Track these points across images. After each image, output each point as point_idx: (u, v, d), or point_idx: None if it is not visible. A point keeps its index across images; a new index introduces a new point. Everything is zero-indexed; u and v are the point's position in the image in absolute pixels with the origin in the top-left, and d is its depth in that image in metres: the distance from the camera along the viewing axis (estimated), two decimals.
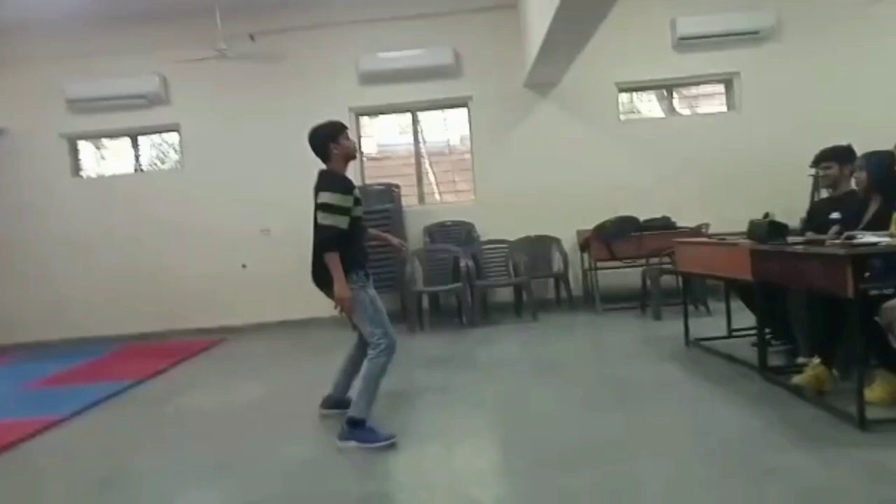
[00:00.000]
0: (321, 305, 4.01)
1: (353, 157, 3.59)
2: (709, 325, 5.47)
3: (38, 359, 6.91)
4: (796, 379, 3.50)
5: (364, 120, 8.22)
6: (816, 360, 3.49)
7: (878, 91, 7.42)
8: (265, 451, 3.41)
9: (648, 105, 8.39)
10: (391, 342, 3.45)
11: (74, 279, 7.87)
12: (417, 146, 8.20)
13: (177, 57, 7.58)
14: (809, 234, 4.12)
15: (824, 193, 4.61)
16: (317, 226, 3.42)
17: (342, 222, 3.35)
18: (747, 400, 3.53)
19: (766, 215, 4.03)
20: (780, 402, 3.43)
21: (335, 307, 3.43)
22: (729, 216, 6.94)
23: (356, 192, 3.47)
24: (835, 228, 4.02)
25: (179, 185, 7.91)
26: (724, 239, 4.34)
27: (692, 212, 7.20)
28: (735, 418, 3.29)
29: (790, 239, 3.74)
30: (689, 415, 3.50)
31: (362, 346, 3.68)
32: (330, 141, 3.50)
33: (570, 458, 2.94)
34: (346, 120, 7.89)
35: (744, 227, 6.05)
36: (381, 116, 8.29)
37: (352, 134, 7.76)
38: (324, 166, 3.56)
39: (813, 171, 7.01)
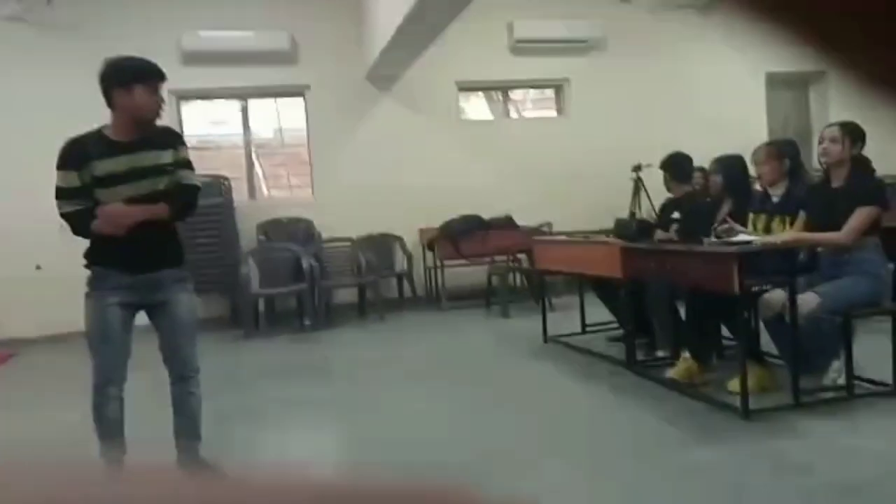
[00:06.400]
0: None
1: (144, 119, 2.54)
2: (558, 321, 5.57)
3: None
4: (670, 373, 3.64)
5: (186, 106, 7.41)
6: (686, 355, 3.66)
7: (686, 106, 8.15)
8: None
9: (477, 107, 8.47)
10: (96, 379, 2.57)
11: None
12: (247, 136, 7.58)
13: None
14: (659, 233, 4.34)
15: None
16: (184, 189, 2.65)
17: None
18: (628, 396, 3.59)
19: (633, 215, 4.19)
20: (659, 396, 3.53)
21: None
22: (563, 215, 7.27)
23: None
24: (674, 227, 4.31)
25: None
26: (587, 237, 4.43)
27: (530, 211, 7.37)
28: (625, 415, 3.33)
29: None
30: (577, 414, 3.49)
31: (175, 378, 2.72)
32: (116, 87, 2.49)
33: (475, 470, 2.75)
34: (167, 104, 7.05)
35: (579, 226, 6.41)
36: (207, 102, 7.53)
37: (171, 118, 7.10)
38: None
39: (634, 175, 7.74)
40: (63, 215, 2.56)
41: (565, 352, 4.71)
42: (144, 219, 2.53)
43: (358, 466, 2.93)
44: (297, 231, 7.12)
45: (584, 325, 5.12)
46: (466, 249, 6.82)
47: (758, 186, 3.85)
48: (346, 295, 7.17)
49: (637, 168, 7.63)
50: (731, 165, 3.98)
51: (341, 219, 7.25)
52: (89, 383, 2.61)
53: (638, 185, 7.72)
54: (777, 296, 3.24)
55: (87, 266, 2.63)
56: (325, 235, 7.21)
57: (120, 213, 2.52)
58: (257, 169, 7.80)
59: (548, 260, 4.94)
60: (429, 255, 7.36)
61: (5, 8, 5.91)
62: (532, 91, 8.57)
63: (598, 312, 4.97)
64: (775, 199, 3.63)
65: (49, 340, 6.45)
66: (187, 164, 2.69)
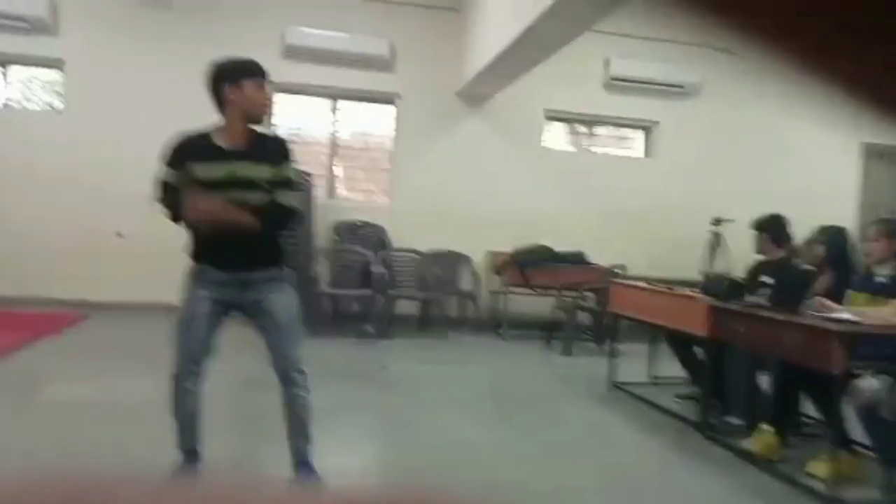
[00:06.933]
0: None
1: (256, 118, 2.58)
2: (623, 367, 5.42)
3: None
4: (747, 444, 3.50)
5: (277, 98, 7.56)
6: (767, 427, 3.51)
7: (778, 165, 7.93)
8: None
9: (555, 136, 8.36)
10: (174, 369, 2.60)
11: None
12: (333, 136, 7.70)
13: None
14: (749, 298, 4.18)
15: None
16: (277, 206, 2.57)
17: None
18: (697, 460, 3.47)
19: (725, 273, 4.07)
20: (731, 466, 3.39)
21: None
22: (634, 258, 7.13)
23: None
24: (764, 292, 4.15)
25: (56, 131, 6.83)
26: (671, 287, 4.32)
27: (600, 249, 7.25)
28: (694, 480, 3.21)
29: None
30: (642, 470, 3.39)
31: (282, 379, 2.68)
32: (226, 83, 2.53)
33: None
34: None
35: (649, 272, 6.27)
36: (297, 97, 7.67)
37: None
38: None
39: (713, 228, 7.55)
40: (158, 200, 2.61)
41: (631, 401, 4.59)
42: (229, 222, 2.49)
43: (389, 479, 2.90)
44: (369, 236, 7.17)
45: (651, 376, 4.99)
46: (534, 279, 6.75)
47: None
48: (408, 307, 7.16)
49: (717, 222, 7.46)
50: (836, 237, 3.84)
51: (413, 230, 7.27)
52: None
53: (716, 239, 7.54)
54: (869, 383, 3.08)
55: (190, 257, 2.67)
56: (395, 244, 7.25)
57: (208, 206, 2.48)
58: (336, 169, 7.92)
59: (624, 303, 4.84)
60: (494, 279, 7.32)
61: None
62: (613, 128, 8.45)
63: (667, 365, 4.84)
64: (880, 280, 3.47)
65: (120, 308, 6.64)
66: (287, 183, 2.61)
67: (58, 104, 7.15)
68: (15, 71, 7.16)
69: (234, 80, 2.53)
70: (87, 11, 6.77)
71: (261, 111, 2.59)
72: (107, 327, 6.03)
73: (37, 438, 3.16)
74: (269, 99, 2.65)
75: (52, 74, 7.14)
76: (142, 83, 6.87)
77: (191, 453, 2.64)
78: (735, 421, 3.99)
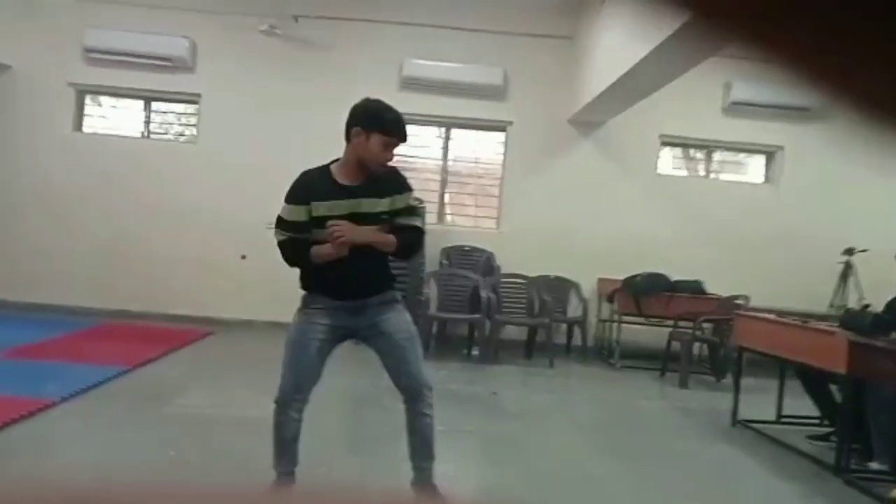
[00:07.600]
0: None
1: (367, 167, 2.53)
2: (745, 404, 5.12)
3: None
4: (895, 493, 3.20)
5: None
6: None
7: None
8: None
9: (667, 161, 8.09)
10: (279, 395, 2.61)
11: (52, 237, 7.15)
12: (445, 163, 7.82)
13: (212, 23, 7.09)
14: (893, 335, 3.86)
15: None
16: (406, 228, 2.59)
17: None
18: None
19: (867, 306, 3.79)
20: None
21: None
22: (755, 289, 6.72)
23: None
24: None
25: (190, 160, 7.34)
26: (805, 321, 4.06)
27: (718, 279, 6.93)
28: None
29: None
30: None
31: (408, 397, 2.66)
32: (358, 125, 2.50)
33: None
34: None
35: (773, 304, 5.91)
36: (412, 127, 7.87)
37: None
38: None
39: (844, 259, 7.05)
40: (279, 244, 2.58)
41: (758, 440, 4.31)
42: (371, 243, 2.50)
43: None
44: (477, 261, 7.20)
45: (779, 414, 4.67)
46: (648, 308, 6.54)
47: None
48: (515, 332, 7.09)
49: (849, 252, 6.97)
50: None
51: (521, 255, 7.22)
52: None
53: (847, 270, 7.04)
54: None
55: (302, 288, 2.68)
56: (503, 270, 7.23)
57: (351, 228, 2.46)
58: (446, 195, 8.03)
59: (750, 336, 4.59)
60: (605, 306, 7.15)
61: (263, 24, 6.60)
62: (729, 153, 8.09)
63: (796, 403, 4.53)
64: None
65: (243, 325, 6.99)
66: (409, 211, 2.61)
67: (188, 134, 7.70)
68: (155, 105, 7.77)
69: (367, 126, 2.49)
70: (219, 49, 7.26)
71: (376, 166, 2.54)
72: (230, 343, 6.34)
73: (156, 445, 3.35)
74: (391, 158, 2.57)
75: (184, 107, 7.70)
76: (266, 114, 7.27)
77: (286, 476, 2.63)
78: (879, 466, 3.68)
